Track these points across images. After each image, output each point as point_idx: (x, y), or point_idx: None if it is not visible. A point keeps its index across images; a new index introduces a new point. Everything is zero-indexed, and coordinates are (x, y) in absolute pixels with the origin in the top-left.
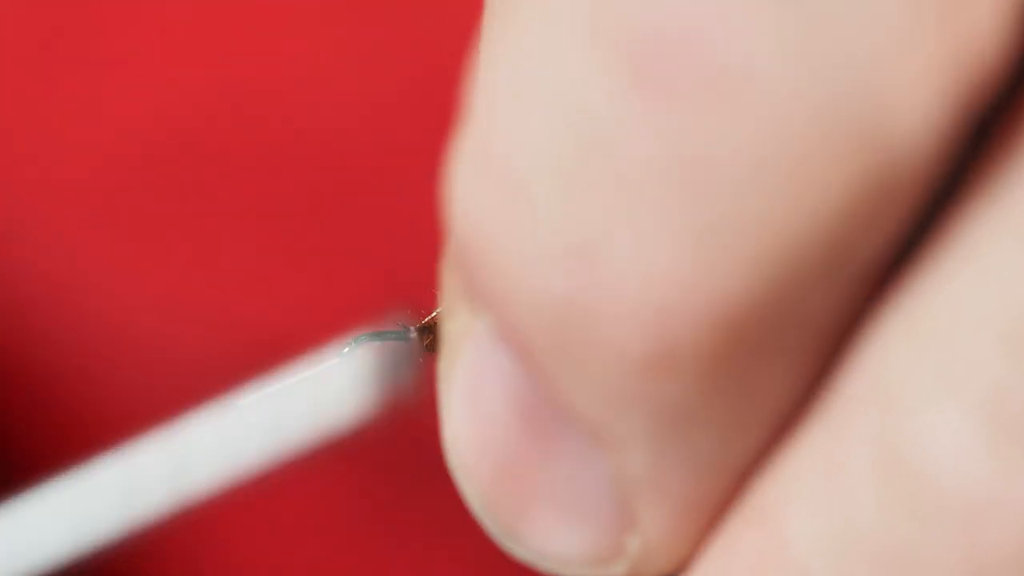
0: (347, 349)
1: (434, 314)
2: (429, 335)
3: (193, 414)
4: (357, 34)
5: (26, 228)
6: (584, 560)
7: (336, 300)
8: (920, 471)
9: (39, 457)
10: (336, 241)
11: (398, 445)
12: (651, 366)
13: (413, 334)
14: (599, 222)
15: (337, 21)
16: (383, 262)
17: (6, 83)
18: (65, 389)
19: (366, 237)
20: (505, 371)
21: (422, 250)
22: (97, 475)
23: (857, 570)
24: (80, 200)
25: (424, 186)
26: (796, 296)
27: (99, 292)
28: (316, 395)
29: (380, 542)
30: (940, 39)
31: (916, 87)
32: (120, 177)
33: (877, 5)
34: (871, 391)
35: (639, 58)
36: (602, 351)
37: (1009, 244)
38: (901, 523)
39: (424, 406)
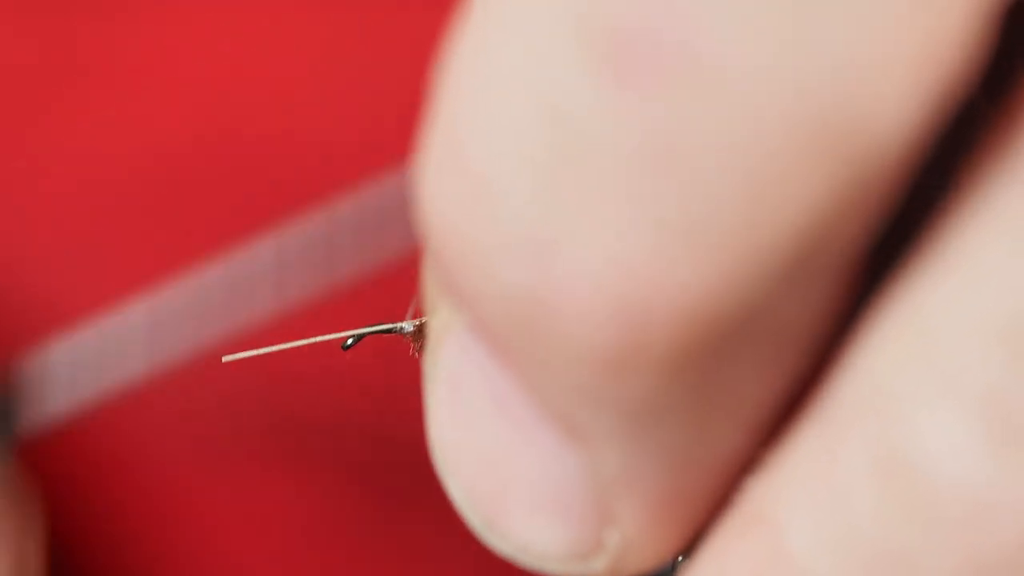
0: (348, 343)
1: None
2: (422, 334)
3: None
4: (346, 61)
5: (14, 246)
6: (564, 555)
7: (329, 315)
8: (918, 474)
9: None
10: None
11: (391, 448)
12: (615, 362)
13: (409, 330)
14: (564, 214)
15: (327, 47)
16: (376, 274)
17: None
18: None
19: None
20: (483, 365)
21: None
22: None
23: (858, 573)
24: (70, 221)
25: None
26: (769, 294)
27: (87, 311)
28: None
29: (374, 549)
30: (913, 33)
31: (890, 81)
32: (111, 200)
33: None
34: (867, 394)
35: (613, 48)
36: (566, 346)
37: (1004, 243)
38: (901, 526)
39: (416, 407)
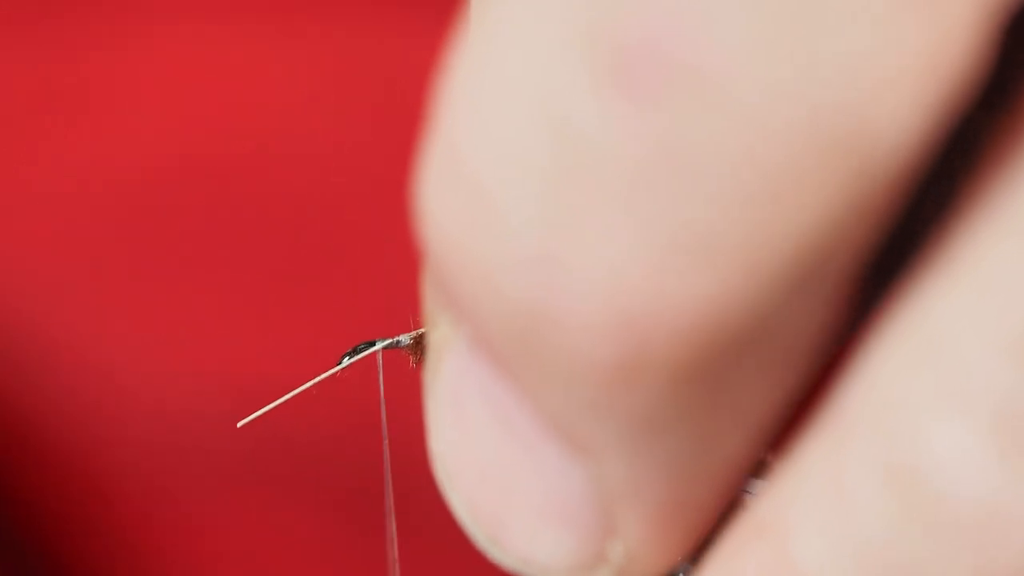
0: (345, 358)
1: (425, 328)
2: (421, 347)
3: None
4: (331, 91)
5: (10, 280)
6: (567, 566)
7: (321, 341)
8: (928, 484)
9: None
10: (320, 286)
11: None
12: (619, 375)
13: (406, 343)
14: (568, 228)
15: (320, 71)
16: (368, 300)
17: None
18: (53, 437)
19: (350, 279)
20: (485, 380)
21: (407, 282)
22: None
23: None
24: (63, 252)
25: (403, 219)
26: (774, 307)
27: (85, 340)
28: None
29: (364, 562)
30: (917, 46)
31: (897, 93)
32: (106, 228)
33: (855, 12)
34: (876, 403)
35: (619, 61)
36: (570, 360)
37: (1012, 254)
38: (910, 536)
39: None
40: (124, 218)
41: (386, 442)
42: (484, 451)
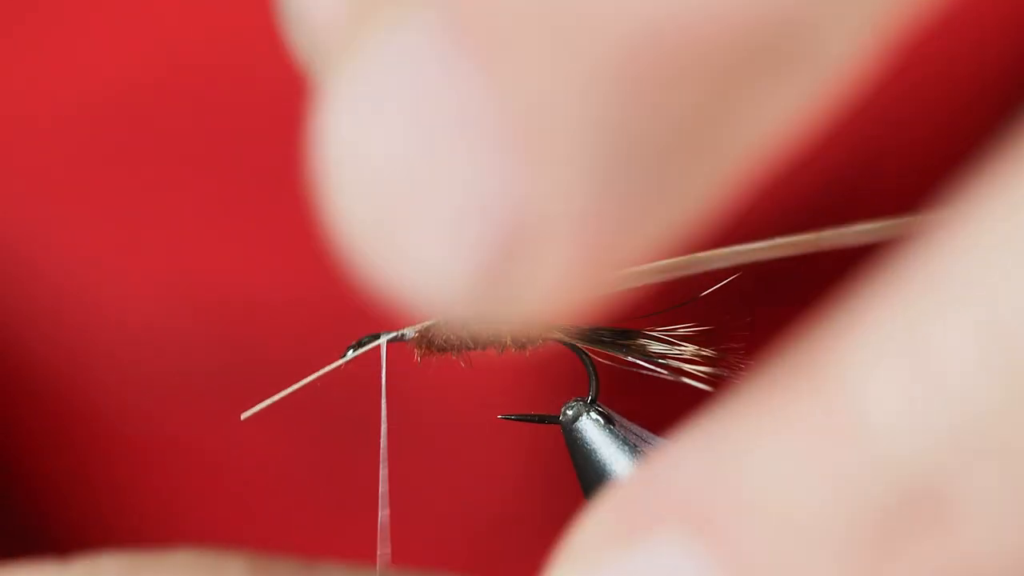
0: (350, 351)
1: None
2: (425, 340)
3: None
4: None
5: None
6: (467, 287)
7: (304, 264)
8: (1019, 341)
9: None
10: (299, 203)
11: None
12: (630, 62)
13: (411, 335)
14: None
15: None
16: None
17: None
18: (36, 357)
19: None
20: (442, 64)
21: None
22: None
23: (952, 448)
24: (41, 170)
25: None
26: (800, 18)
27: (70, 261)
28: None
29: (338, 494)
30: None
31: None
32: (87, 144)
33: None
34: (970, 266)
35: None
36: (583, 30)
37: None
38: (997, 391)
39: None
40: (93, 133)
41: (384, 439)
42: (405, 139)
